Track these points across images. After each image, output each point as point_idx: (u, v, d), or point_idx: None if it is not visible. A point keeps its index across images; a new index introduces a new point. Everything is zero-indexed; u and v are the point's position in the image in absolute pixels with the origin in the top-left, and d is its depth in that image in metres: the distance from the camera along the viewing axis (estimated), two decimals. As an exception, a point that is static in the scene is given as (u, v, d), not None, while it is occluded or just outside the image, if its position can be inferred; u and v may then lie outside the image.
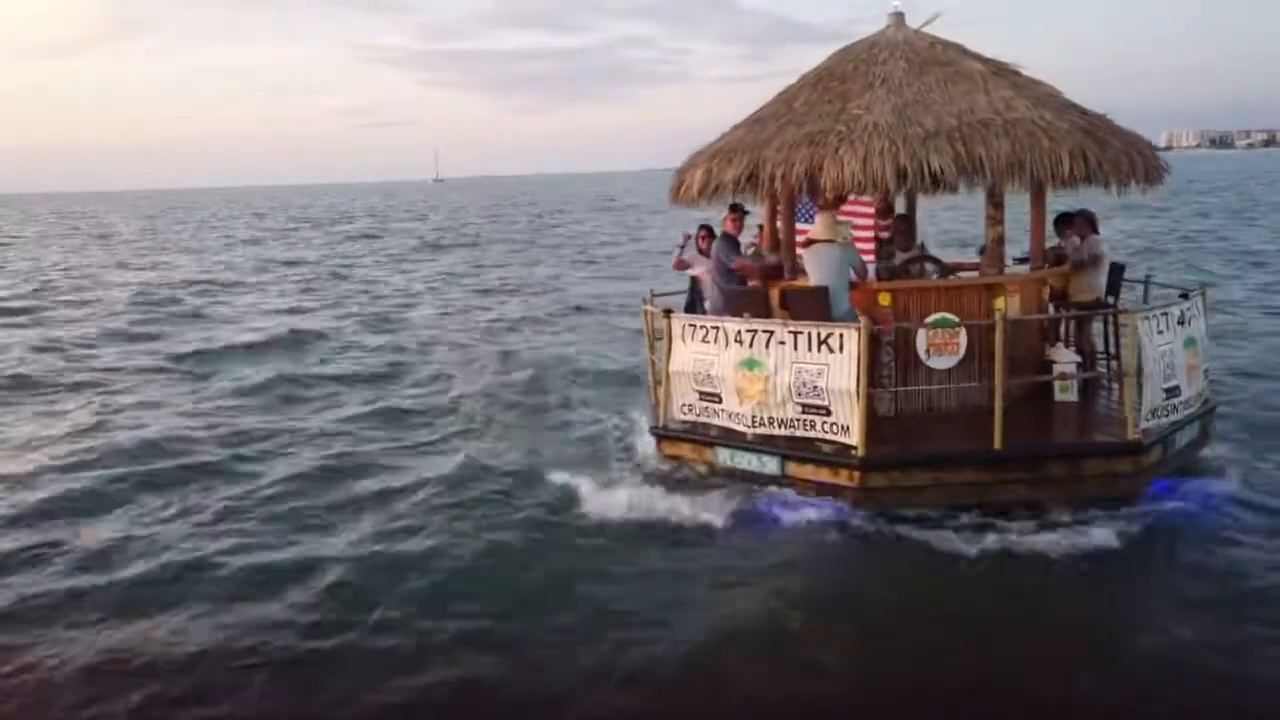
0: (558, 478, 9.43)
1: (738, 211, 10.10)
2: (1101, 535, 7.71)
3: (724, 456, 8.98)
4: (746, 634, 6.72)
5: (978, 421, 8.93)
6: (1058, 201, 10.27)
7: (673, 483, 9.19)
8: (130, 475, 10.27)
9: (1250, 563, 7.45)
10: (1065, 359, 9.82)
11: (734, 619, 7.00)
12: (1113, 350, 10.68)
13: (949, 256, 12.14)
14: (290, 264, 37.77)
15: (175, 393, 14.63)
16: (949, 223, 35.80)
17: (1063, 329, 10.46)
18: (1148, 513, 8.14)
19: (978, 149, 8.38)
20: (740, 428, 8.88)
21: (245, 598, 7.37)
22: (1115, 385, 10.16)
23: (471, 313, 22.68)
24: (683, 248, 10.84)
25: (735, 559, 7.84)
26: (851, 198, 10.91)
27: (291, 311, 23.83)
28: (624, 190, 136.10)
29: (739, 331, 8.75)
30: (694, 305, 10.86)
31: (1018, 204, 9.91)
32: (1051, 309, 10.23)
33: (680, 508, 8.60)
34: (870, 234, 11.11)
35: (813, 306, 8.96)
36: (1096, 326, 10.66)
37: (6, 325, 21.91)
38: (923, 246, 10.68)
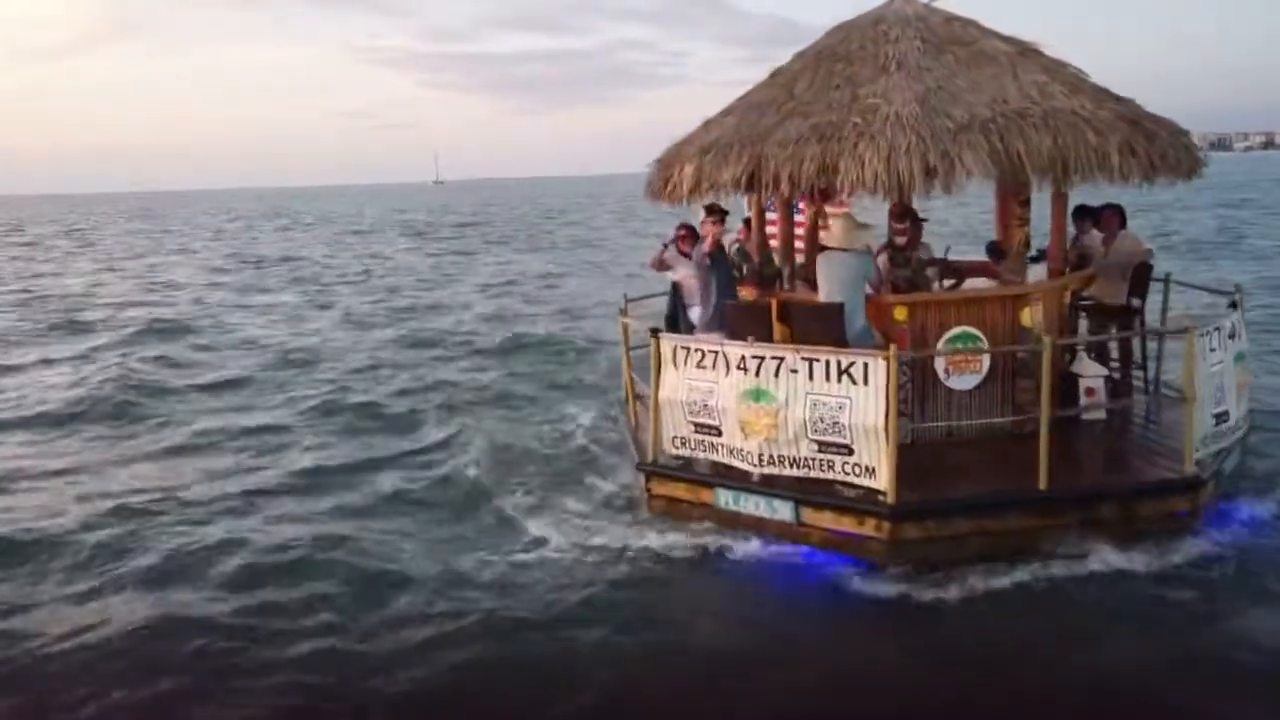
0: (512, 506, 8.56)
1: (717, 214, 8.81)
2: (1160, 587, 6.77)
3: (725, 499, 7.80)
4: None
5: (1008, 451, 7.93)
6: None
7: (662, 527, 8.03)
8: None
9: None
10: (1092, 373, 8.83)
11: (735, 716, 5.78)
12: (1136, 359, 9.77)
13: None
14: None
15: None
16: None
17: (1081, 335, 9.50)
18: (1202, 545, 7.24)
19: (1016, 144, 7.26)
20: (745, 466, 7.71)
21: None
22: (1148, 401, 9.26)
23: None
24: (665, 247, 9.53)
25: (739, 632, 6.71)
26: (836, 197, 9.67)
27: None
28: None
29: (743, 357, 7.55)
30: (676, 316, 9.62)
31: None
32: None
33: (670, 557, 7.52)
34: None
35: (824, 325, 7.81)
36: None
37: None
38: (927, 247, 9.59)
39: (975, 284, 9.00)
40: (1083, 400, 8.65)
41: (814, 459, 7.37)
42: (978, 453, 8.02)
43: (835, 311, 7.84)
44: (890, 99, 7.67)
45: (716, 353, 7.72)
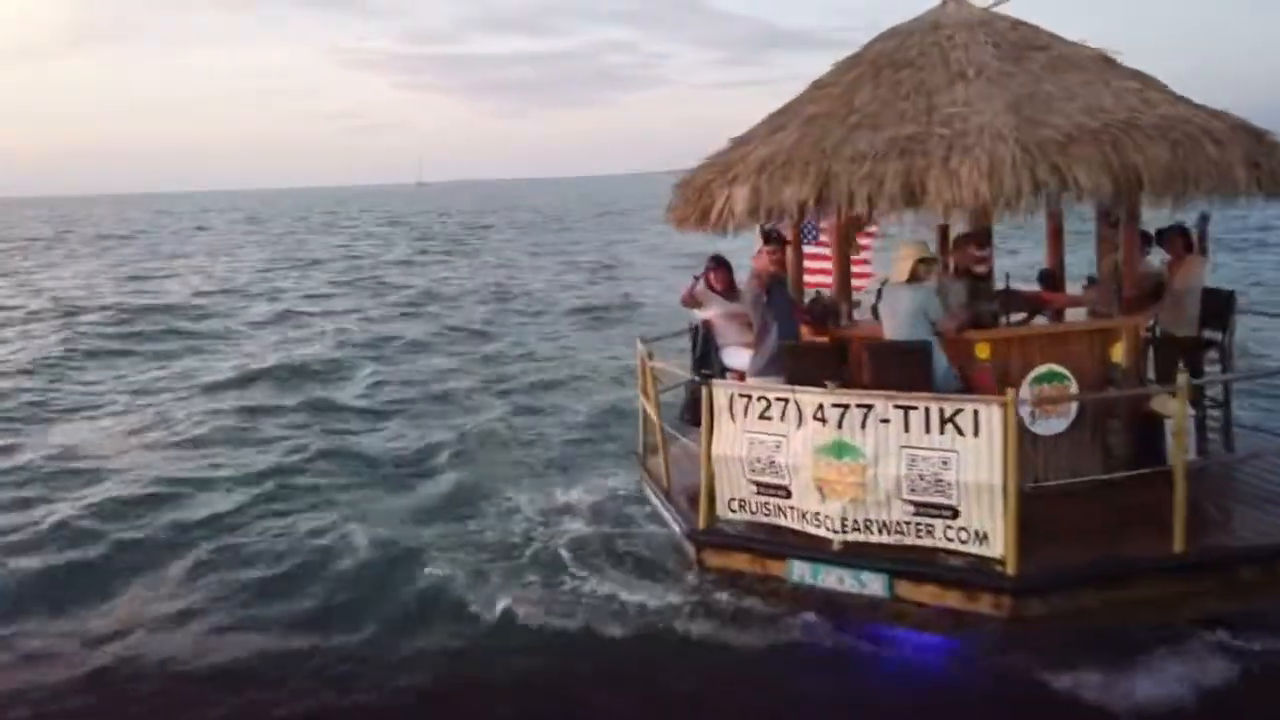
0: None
1: (776, 243, 7.80)
2: None
3: (800, 572, 6.66)
4: None
5: (1112, 505, 6.94)
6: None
7: (722, 606, 6.92)
8: None
9: None
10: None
11: None
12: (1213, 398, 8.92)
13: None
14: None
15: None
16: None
17: (1153, 371, 8.64)
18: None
19: (1133, 157, 6.34)
20: (822, 532, 6.61)
21: None
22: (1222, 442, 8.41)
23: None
24: (696, 280, 8.44)
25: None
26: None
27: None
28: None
29: (820, 406, 6.46)
30: (706, 357, 8.52)
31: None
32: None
33: (734, 645, 6.49)
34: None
35: (905, 368, 6.78)
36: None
37: None
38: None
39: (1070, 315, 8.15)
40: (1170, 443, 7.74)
41: (909, 523, 6.31)
42: (1079, 508, 7.02)
43: (918, 351, 6.82)
44: (976, 107, 6.73)
45: (786, 401, 6.63)
